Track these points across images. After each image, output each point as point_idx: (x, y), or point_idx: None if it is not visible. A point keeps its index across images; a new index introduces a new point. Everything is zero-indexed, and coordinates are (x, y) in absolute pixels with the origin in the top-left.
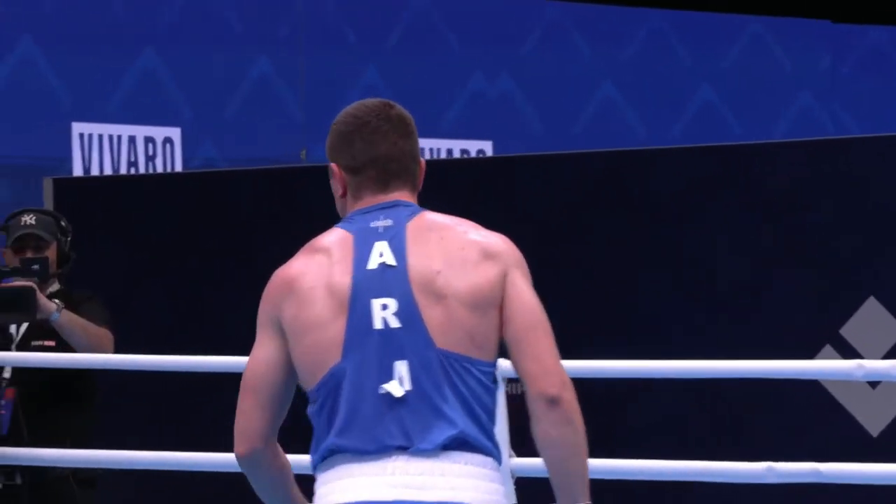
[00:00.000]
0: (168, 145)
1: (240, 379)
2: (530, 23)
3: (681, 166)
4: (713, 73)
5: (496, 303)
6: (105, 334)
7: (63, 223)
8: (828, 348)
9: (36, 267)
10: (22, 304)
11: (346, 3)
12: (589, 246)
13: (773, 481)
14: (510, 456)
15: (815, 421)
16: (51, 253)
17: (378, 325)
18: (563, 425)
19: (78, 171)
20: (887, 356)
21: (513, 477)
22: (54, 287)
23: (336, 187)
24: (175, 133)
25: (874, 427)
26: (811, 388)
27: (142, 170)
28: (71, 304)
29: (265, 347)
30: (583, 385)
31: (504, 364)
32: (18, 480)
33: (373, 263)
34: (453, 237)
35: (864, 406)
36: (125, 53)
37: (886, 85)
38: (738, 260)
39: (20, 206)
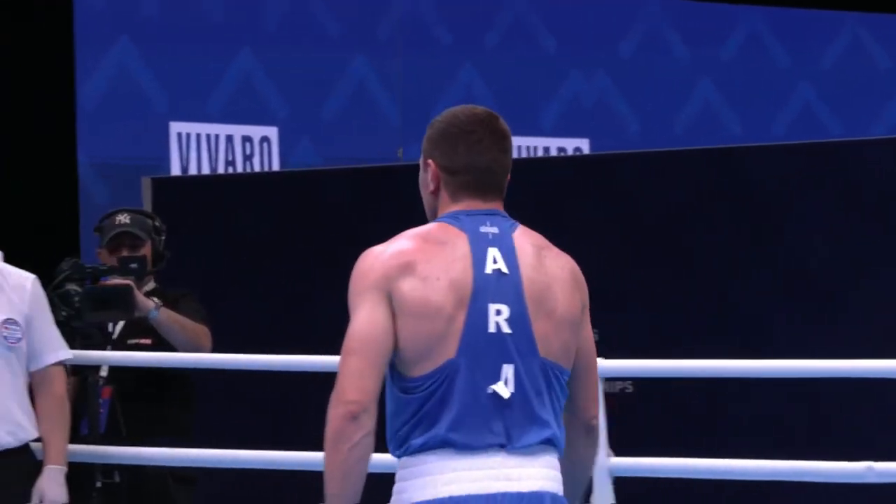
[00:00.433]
0: (265, 144)
1: (334, 379)
2: (627, 21)
3: (779, 164)
4: (812, 72)
5: (578, 326)
6: (203, 330)
7: (157, 222)
8: None
9: (134, 265)
10: (120, 302)
11: (444, 3)
12: (690, 244)
13: (872, 481)
14: (608, 455)
15: None
16: (145, 252)
17: (492, 328)
18: (594, 447)
19: (176, 170)
20: None
21: (611, 477)
22: (150, 286)
23: (428, 182)
24: (272, 132)
25: None
26: None
27: (239, 169)
28: (167, 302)
29: (375, 312)
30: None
31: (604, 363)
32: (117, 479)
33: (489, 268)
34: (553, 256)
35: None
36: (222, 53)
37: None
38: (837, 258)
39: (119, 206)
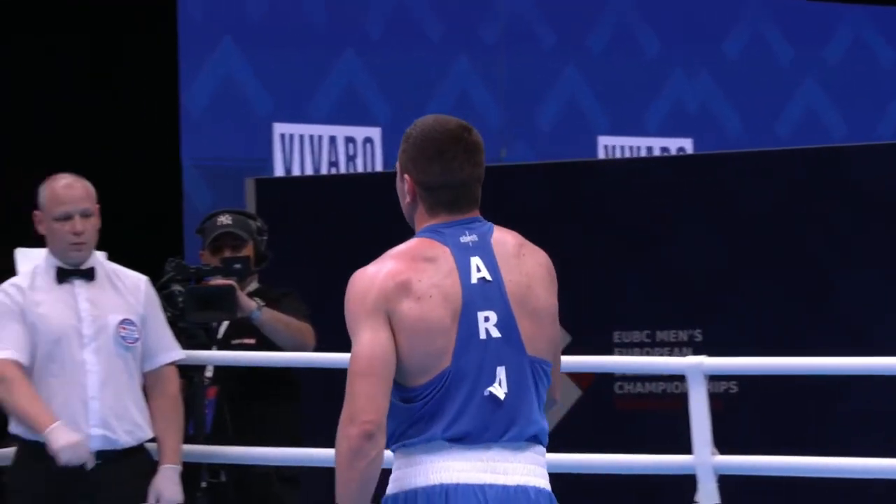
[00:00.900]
0: (368, 145)
1: None
2: (731, 21)
3: (883, 163)
4: None
5: (556, 318)
6: (307, 328)
7: (259, 223)
8: None
9: (238, 266)
10: (223, 302)
11: (547, 4)
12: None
13: None
14: (713, 454)
15: None
16: (247, 252)
17: (482, 335)
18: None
19: (279, 171)
20: None
21: (715, 475)
22: (253, 286)
23: (405, 193)
24: (375, 133)
25: None
26: None
27: (342, 169)
28: (270, 302)
29: (379, 334)
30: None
31: (708, 361)
32: (223, 478)
33: (474, 278)
34: (531, 253)
35: None
36: (326, 55)
37: None
38: None
39: (223, 207)
